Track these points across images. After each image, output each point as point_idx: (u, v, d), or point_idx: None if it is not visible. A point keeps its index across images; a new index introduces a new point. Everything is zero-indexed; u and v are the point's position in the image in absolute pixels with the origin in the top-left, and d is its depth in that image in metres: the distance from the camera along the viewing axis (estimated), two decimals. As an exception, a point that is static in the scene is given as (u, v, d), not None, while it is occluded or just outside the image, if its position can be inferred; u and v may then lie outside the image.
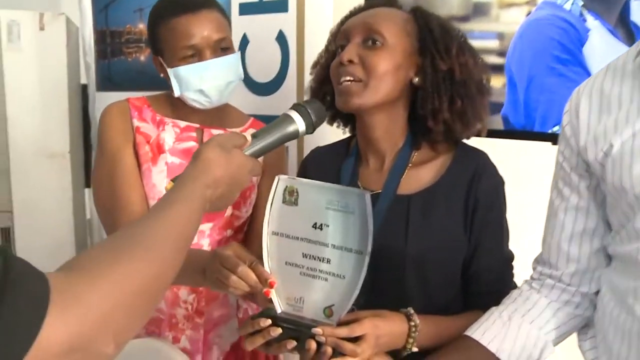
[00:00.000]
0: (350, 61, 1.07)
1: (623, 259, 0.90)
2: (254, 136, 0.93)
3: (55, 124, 2.50)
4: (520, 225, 1.26)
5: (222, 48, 1.28)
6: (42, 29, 2.56)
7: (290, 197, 1.03)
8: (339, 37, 1.15)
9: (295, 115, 0.96)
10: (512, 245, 1.18)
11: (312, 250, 1.01)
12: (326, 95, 1.20)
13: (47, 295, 0.56)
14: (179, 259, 0.75)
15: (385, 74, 1.07)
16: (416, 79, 1.11)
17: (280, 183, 1.04)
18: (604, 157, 0.89)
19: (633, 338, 0.85)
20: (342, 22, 1.18)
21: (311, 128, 0.98)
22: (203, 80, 1.27)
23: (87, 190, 2.62)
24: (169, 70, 1.28)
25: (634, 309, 0.85)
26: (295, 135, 0.97)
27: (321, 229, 1.00)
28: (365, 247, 0.97)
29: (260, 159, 0.95)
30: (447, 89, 1.09)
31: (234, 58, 1.31)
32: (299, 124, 0.96)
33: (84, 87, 2.58)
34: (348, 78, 1.08)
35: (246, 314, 1.40)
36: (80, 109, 2.73)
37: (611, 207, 0.92)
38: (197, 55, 1.26)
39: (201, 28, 1.25)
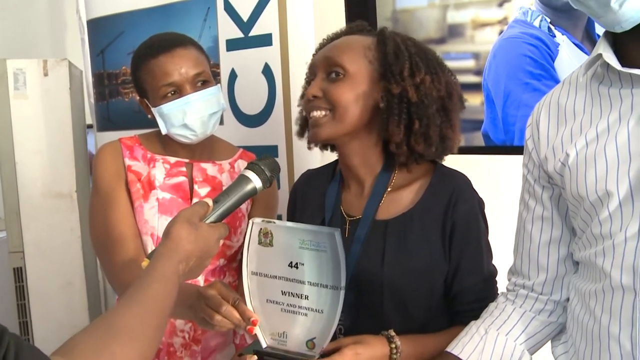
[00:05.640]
0: (315, 96, 1.12)
1: (585, 263, 0.94)
2: (215, 201, 0.99)
3: (62, 165, 2.58)
4: (504, 237, 1.29)
5: (201, 82, 1.34)
6: (46, 74, 2.66)
7: (265, 238, 1.08)
8: (310, 73, 1.19)
9: (250, 174, 1.03)
10: (494, 256, 1.20)
11: (290, 288, 1.07)
12: None
13: None
14: (159, 335, 0.83)
15: (348, 104, 1.10)
16: (382, 104, 1.11)
17: (254, 226, 1.09)
18: (562, 167, 0.93)
19: (595, 339, 0.88)
20: (314, 54, 1.23)
21: (267, 182, 1.05)
22: (186, 115, 1.33)
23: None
24: (154, 110, 1.35)
25: (594, 311, 0.89)
26: (253, 192, 1.03)
27: (297, 267, 1.06)
28: (339, 282, 1.02)
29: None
30: (402, 111, 1.09)
31: (214, 90, 1.37)
32: (255, 182, 1.03)
33: (91, 128, 2.68)
34: (316, 112, 1.13)
35: (243, 340, 1.44)
36: (86, 149, 2.82)
37: (573, 214, 0.96)
38: (177, 92, 1.32)
39: (178, 65, 1.31)
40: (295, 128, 1.32)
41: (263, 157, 1.07)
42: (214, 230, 0.95)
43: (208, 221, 0.96)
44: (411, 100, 1.09)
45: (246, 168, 1.04)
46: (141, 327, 0.79)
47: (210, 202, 0.98)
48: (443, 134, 1.12)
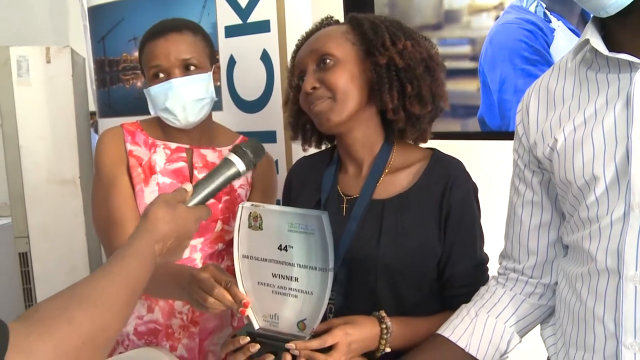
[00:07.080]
0: (314, 88, 1.14)
1: (573, 247, 0.96)
2: (196, 185, 1.00)
3: (65, 151, 2.61)
4: (499, 221, 1.30)
5: (191, 68, 1.36)
6: (48, 61, 2.69)
7: (255, 222, 1.10)
8: (296, 72, 1.21)
9: (234, 157, 1.05)
10: (488, 243, 1.21)
11: (280, 270, 1.08)
12: (305, 125, 1.27)
13: (5, 344, 0.65)
14: (127, 310, 0.83)
15: (347, 86, 1.13)
16: (373, 79, 1.14)
17: (243, 210, 1.10)
18: (551, 152, 0.94)
19: (581, 321, 0.90)
20: (294, 56, 1.25)
21: (251, 165, 1.06)
22: (167, 99, 1.35)
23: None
24: (144, 91, 1.38)
25: (581, 293, 0.90)
26: (237, 175, 1.05)
27: (286, 250, 1.07)
28: (327, 264, 1.04)
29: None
30: (393, 78, 1.14)
31: (201, 77, 1.37)
32: (239, 165, 1.05)
33: (94, 114, 2.70)
34: (319, 103, 1.14)
35: (241, 322, 1.47)
36: (89, 135, 2.84)
37: (562, 199, 0.97)
38: (166, 75, 1.35)
39: (167, 49, 1.33)
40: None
41: (247, 140, 1.09)
42: (193, 211, 0.97)
43: (191, 204, 0.98)
44: (399, 66, 1.13)
45: (230, 151, 1.06)
46: (106, 297, 0.79)
47: (189, 187, 1.00)
48: (434, 92, 1.16)
